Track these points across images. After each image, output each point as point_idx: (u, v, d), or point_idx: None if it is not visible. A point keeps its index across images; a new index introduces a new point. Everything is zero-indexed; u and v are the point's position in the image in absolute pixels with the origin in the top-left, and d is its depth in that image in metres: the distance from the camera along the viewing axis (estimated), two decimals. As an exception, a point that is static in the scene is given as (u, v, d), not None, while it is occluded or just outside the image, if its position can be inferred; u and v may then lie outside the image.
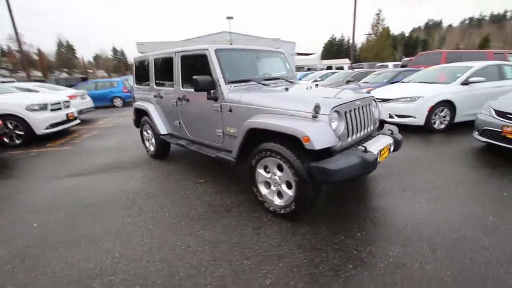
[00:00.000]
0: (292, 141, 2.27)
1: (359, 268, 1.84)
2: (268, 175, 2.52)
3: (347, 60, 51.05)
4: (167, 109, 3.90)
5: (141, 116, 4.53)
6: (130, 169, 4.12)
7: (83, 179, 3.77)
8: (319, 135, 2.09)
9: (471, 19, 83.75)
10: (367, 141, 2.66)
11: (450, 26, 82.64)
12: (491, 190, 2.91)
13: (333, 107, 2.26)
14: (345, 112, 2.39)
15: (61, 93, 7.82)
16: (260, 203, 2.65)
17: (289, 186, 2.38)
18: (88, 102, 9.18)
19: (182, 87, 3.48)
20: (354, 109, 2.51)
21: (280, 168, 2.39)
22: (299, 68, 35.53)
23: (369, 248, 2.05)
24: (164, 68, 3.84)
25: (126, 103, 13.19)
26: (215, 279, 1.81)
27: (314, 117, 2.22)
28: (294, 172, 2.20)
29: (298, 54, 42.11)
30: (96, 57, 73.95)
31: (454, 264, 1.85)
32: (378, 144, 2.52)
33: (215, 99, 2.98)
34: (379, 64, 21.66)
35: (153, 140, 4.36)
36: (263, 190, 2.60)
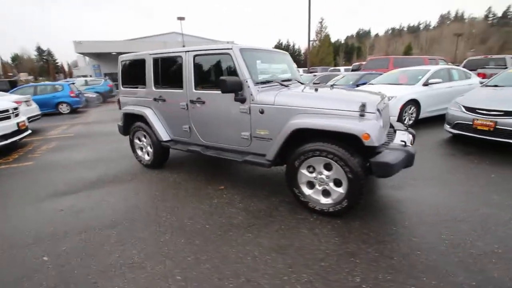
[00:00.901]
0: (340, 140, 2.34)
1: (425, 255, 1.99)
2: (313, 175, 2.54)
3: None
4: (172, 113, 3.59)
5: (131, 122, 4.08)
6: (128, 181, 3.67)
7: (75, 198, 3.21)
8: (377, 132, 2.19)
9: (393, 29, 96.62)
10: (389, 137, 2.88)
11: (377, 35, 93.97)
12: (480, 174, 3.42)
13: (377, 106, 2.40)
14: (379, 111, 2.55)
15: (5, 99, 6.50)
16: (301, 204, 2.65)
17: (337, 184, 2.44)
18: (35, 109, 7.84)
19: (195, 88, 3.25)
20: (383, 108, 2.70)
21: (327, 167, 2.43)
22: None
23: (422, 234, 2.22)
24: (168, 68, 3.53)
25: (74, 109, 11.64)
26: (305, 285, 1.74)
27: (362, 115, 2.32)
28: (349, 169, 2.26)
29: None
30: (16, 58, 63.46)
31: (495, 238, 2.13)
32: (407, 139, 2.76)
33: (243, 101, 2.86)
34: (331, 68, 23.41)
35: (150, 148, 3.96)
36: (306, 190, 2.60)
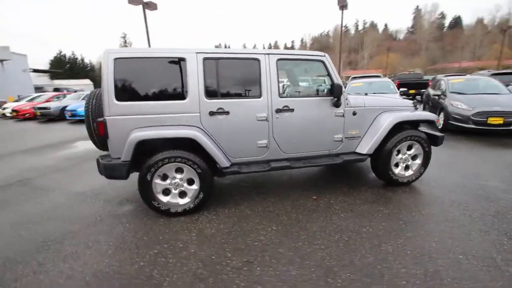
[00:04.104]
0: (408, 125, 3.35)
1: (459, 214, 3.46)
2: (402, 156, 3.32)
3: (87, 81, 46.11)
4: (240, 129, 2.83)
5: (147, 154, 2.65)
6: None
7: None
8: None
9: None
10: None
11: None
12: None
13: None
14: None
15: None
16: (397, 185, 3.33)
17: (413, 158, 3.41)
18: None
19: (280, 96, 2.88)
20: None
21: (410, 147, 3.33)
22: (38, 88, 27.30)
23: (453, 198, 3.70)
24: (233, 73, 2.77)
25: None
26: None
27: (416, 108, 3.46)
28: (424, 146, 3.29)
29: (36, 70, 31.66)
30: None
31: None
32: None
33: (338, 105, 3.05)
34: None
35: (189, 186, 2.79)
36: (398, 170, 3.34)
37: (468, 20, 71.51)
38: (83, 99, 12.27)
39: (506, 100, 5.82)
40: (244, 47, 58.62)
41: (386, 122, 3.15)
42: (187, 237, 2.46)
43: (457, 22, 69.60)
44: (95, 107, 2.85)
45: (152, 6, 14.11)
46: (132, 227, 2.67)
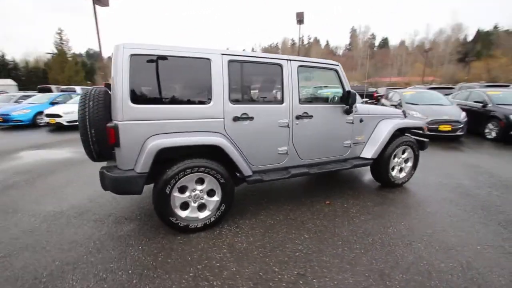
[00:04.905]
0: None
1: (463, 198, 3.95)
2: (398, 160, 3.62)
3: (10, 81, 39.49)
4: (263, 135, 2.72)
5: (166, 164, 2.36)
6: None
7: None
8: (421, 124, 3.82)
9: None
10: None
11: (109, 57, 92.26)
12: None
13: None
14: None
15: None
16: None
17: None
18: None
19: (300, 102, 2.87)
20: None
21: (403, 152, 3.65)
22: None
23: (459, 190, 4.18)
24: (257, 77, 2.66)
25: None
26: (479, 211, 2.97)
27: (405, 116, 3.84)
28: (415, 151, 3.66)
29: None
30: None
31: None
32: None
33: (349, 112, 3.19)
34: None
35: (209, 197, 2.56)
36: (394, 172, 3.62)
37: (393, 41, 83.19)
38: (16, 101, 10.36)
39: (451, 110, 6.90)
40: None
41: (388, 128, 3.41)
42: (219, 254, 2.23)
43: (385, 42, 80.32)
44: (93, 110, 2.41)
45: (104, 2, 12.82)
46: (147, 249, 2.31)
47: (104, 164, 2.61)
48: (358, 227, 2.65)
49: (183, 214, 2.48)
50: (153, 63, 2.29)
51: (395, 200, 3.29)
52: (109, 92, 2.69)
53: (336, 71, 3.12)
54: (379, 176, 3.63)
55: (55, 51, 35.98)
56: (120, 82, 2.17)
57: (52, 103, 10.47)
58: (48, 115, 8.85)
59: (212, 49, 2.47)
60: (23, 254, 2.24)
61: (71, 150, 6.15)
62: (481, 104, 7.32)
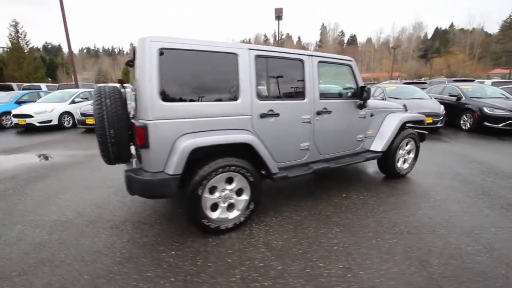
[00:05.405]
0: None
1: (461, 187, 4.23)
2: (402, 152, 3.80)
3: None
4: (287, 131, 2.70)
5: (197, 164, 2.25)
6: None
7: None
8: (420, 117, 4.03)
9: (88, 49, 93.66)
10: None
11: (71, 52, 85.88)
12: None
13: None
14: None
15: None
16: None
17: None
18: None
19: (320, 97, 2.88)
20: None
21: (407, 144, 3.84)
22: None
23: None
24: (282, 73, 2.60)
25: None
26: (481, 196, 3.23)
27: (406, 110, 4.03)
28: (417, 142, 3.87)
29: None
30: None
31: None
32: None
33: (361, 107, 3.28)
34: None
35: (238, 197, 2.50)
36: (399, 164, 3.79)
37: (361, 38, 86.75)
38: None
39: (431, 103, 7.38)
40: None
41: (396, 122, 3.56)
42: (259, 254, 2.19)
43: (353, 39, 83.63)
44: (111, 109, 2.22)
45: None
46: (181, 254, 2.19)
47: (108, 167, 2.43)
48: (382, 218, 2.75)
49: (213, 215, 2.39)
50: (181, 58, 2.16)
51: (405, 190, 3.47)
52: (123, 89, 2.51)
53: (350, 66, 3.18)
54: (386, 168, 3.78)
55: (9, 45, 32.38)
56: (149, 78, 2.02)
57: (18, 103, 9.51)
58: (17, 116, 8.02)
59: (238, 43, 2.39)
60: (42, 270, 2.02)
61: (53, 153, 5.65)
62: (455, 98, 7.93)
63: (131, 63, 2.62)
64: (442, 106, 7.34)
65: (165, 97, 2.09)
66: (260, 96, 2.51)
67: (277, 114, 2.61)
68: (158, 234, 2.48)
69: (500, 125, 6.64)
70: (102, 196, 3.35)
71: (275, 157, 2.69)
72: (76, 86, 12.92)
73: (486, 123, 6.85)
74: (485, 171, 4.14)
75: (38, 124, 7.96)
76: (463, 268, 2.01)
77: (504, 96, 7.64)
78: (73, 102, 9.03)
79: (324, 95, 2.94)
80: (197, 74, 2.26)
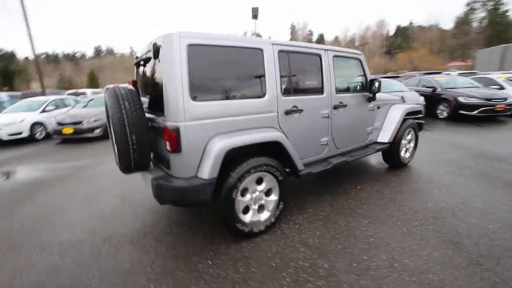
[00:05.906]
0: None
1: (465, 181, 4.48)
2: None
3: None
4: (309, 127, 2.68)
5: (230, 165, 2.15)
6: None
7: None
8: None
9: (47, 54, 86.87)
10: None
11: (27, 58, 79.20)
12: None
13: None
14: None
15: None
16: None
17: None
18: None
19: (336, 92, 2.89)
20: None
21: (408, 134, 4.00)
22: None
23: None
24: (302, 67, 2.57)
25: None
26: (481, 178, 3.46)
27: (404, 101, 4.21)
28: (417, 132, 4.06)
29: None
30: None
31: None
32: None
33: (371, 100, 3.35)
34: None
35: (267, 197, 2.43)
36: (402, 153, 3.94)
37: (329, 37, 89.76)
38: None
39: (411, 95, 7.80)
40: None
41: (400, 113, 3.69)
42: (300, 254, 2.14)
43: (321, 38, 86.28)
44: (131, 112, 2.04)
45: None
46: (219, 263, 2.08)
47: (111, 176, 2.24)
48: (403, 206, 2.83)
49: (246, 218, 2.30)
50: (210, 54, 2.04)
51: (412, 178, 3.61)
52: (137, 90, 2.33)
53: (360, 60, 3.24)
54: (391, 158, 3.91)
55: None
56: (179, 77, 1.88)
57: (-22, 115, 8.49)
58: (-20, 129, 7.16)
59: (262, 39, 2.32)
60: (69, 299, 1.80)
61: (31, 168, 5.12)
62: (431, 89, 8.47)
63: (142, 62, 2.45)
64: (422, 97, 7.80)
65: (196, 96, 1.96)
66: (284, 92, 2.45)
67: (301, 110, 2.57)
68: (186, 245, 2.33)
69: (474, 112, 7.20)
70: (107, 209, 3.09)
71: (300, 153, 2.66)
72: (43, 94, 11.88)
73: (462, 111, 7.39)
74: (475, 155, 4.45)
75: (7, 137, 7.18)
76: (493, 245, 2.12)
77: (473, 86, 8.30)
78: (44, 111, 8.27)
79: (338, 90, 2.96)
80: (226, 71, 2.16)
